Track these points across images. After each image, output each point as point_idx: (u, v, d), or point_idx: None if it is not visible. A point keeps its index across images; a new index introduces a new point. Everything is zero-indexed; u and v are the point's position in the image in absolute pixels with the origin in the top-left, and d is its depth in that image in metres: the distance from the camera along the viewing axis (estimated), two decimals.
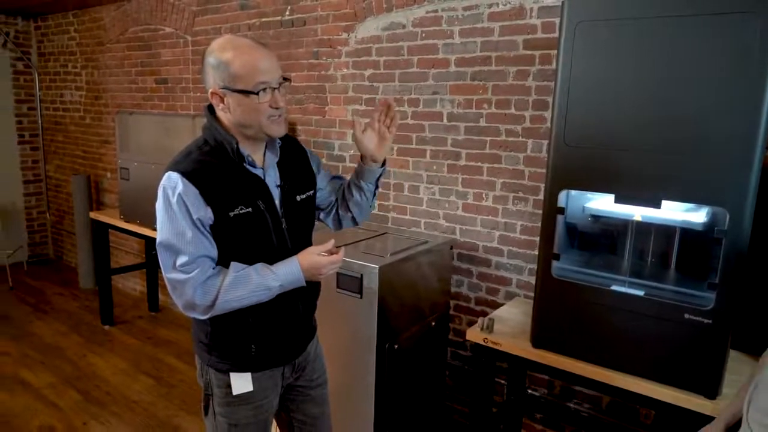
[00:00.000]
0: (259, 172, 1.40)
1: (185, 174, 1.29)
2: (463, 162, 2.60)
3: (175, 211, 1.28)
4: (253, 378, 1.46)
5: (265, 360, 1.48)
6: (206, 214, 1.29)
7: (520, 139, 2.41)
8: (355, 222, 1.68)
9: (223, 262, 1.35)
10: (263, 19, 3.32)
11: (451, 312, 2.73)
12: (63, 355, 3.53)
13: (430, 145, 2.69)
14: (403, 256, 2.21)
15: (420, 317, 2.41)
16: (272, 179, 1.44)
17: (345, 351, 2.20)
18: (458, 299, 2.71)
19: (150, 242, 3.88)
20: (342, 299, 2.16)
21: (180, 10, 3.80)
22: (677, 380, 1.60)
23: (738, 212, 1.45)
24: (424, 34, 2.64)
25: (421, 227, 2.78)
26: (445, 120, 2.63)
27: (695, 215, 1.64)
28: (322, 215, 1.69)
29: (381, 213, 2.92)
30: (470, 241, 2.63)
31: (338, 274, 2.13)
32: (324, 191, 1.66)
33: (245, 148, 1.38)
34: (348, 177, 1.67)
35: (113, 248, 4.52)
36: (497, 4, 2.40)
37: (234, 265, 1.33)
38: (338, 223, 1.69)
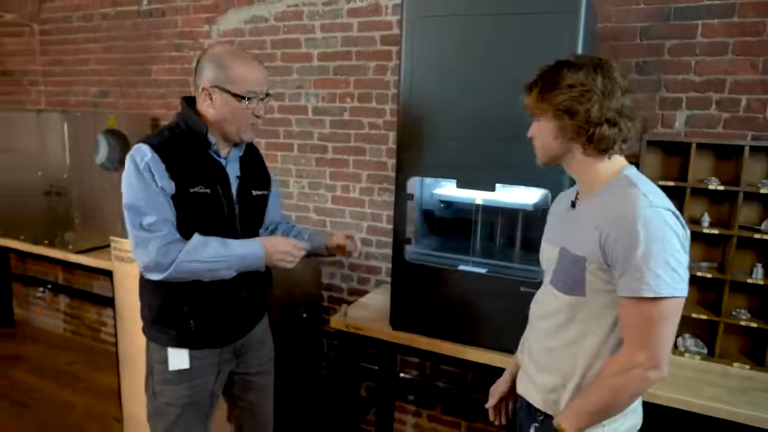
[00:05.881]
0: (222, 160, 1.52)
1: (155, 147, 1.40)
2: (330, 155, 2.64)
3: (144, 176, 1.37)
4: (190, 356, 1.51)
5: (203, 338, 1.52)
6: (169, 186, 1.39)
7: (382, 131, 2.49)
8: None
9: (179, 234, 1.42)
10: (119, 8, 3.13)
11: (326, 303, 2.76)
12: None
13: (297, 139, 2.70)
14: None
15: (290, 310, 2.41)
16: (233, 170, 1.55)
17: None
18: (331, 290, 2.74)
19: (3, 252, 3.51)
20: None
21: None
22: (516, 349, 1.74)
23: (557, 192, 1.61)
24: (286, 29, 2.64)
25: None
26: (310, 114, 2.65)
27: (530, 197, 1.80)
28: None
29: None
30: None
31: None
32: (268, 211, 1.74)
33: (214, 138, 1.48)
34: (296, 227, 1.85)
35: None
36: (355, 0, 2.46)
37: (197, 235, 1.41)
38: None
